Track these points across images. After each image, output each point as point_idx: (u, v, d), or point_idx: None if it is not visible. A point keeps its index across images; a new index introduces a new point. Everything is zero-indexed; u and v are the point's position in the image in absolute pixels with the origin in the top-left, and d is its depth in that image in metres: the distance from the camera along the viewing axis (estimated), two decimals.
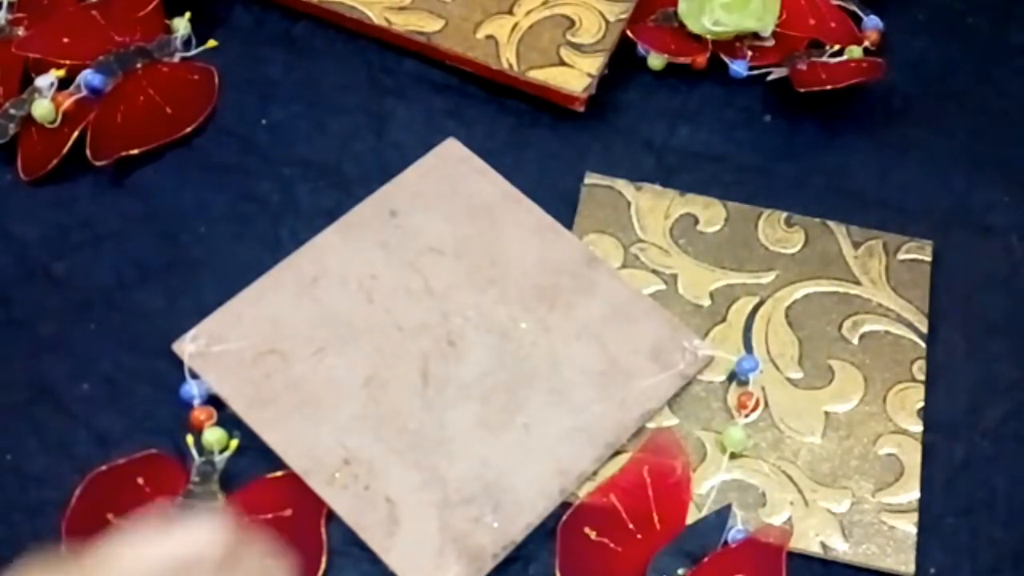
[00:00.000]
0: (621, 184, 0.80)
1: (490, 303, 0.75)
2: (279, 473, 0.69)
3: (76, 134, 0.79)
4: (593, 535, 0.68)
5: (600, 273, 0.76)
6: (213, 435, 0.69)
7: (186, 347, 0.72)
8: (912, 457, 0.71)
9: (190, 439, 0.69)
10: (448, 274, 0.76)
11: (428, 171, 0.80)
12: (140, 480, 0.68)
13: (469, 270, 0.76)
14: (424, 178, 0.79)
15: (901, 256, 0.77)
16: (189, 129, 0.81)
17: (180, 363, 0.71)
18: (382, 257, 0.76)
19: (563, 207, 0.78)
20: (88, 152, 0.78)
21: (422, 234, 0.77)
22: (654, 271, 0.77)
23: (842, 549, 0.68)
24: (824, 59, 0.84)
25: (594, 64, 0.82)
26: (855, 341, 0.75)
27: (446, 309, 0.74)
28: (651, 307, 0.75)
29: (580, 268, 0.76)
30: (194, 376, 0.71)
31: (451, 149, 0.81)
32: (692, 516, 0.69)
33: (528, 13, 0.85)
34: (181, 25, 0.84)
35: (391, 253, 0.76)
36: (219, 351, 0.72)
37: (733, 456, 0.70)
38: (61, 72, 0.80)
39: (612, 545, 0.67)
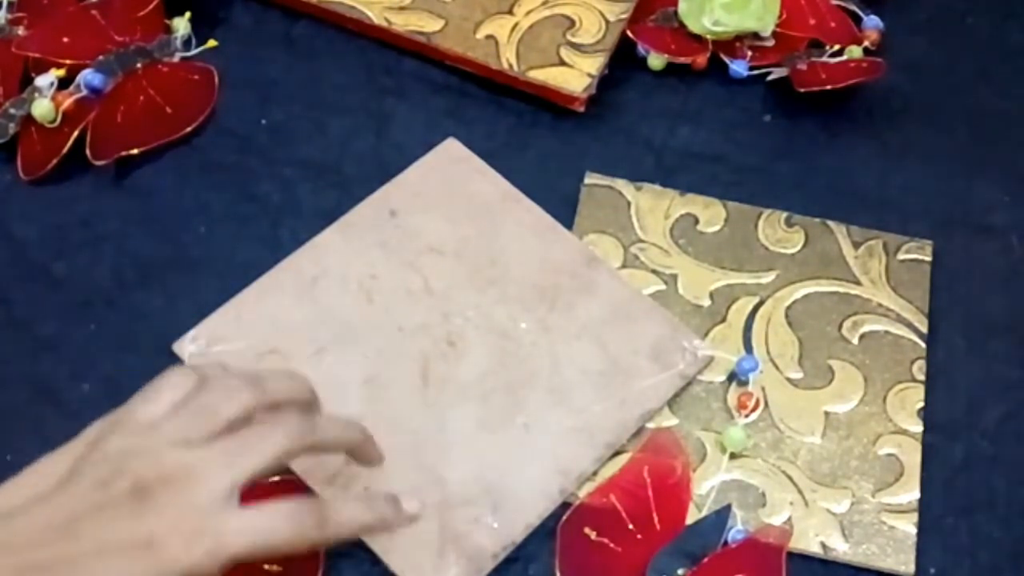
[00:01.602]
0: (621, 184, 0.80)
1: (490, 303, 0.75)
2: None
3: (76, 134, 0.79)
4: (593, 535, 0.68)
5: (600, 273, 0.76)
6: None
7: (186, 348, 0.72)
8: (912, 457, 0.71)
9: None
10: (448, 274, 0.76)
11: (428, 171, 0.80)
12: None
13: (469, 270, 0.76)
14: (424, 178, 0.79)
15: (901, 256, 0.77)
16: (189, 129, 0.81)
17: (180, 363, 0.72)
18: (382, 257, 0.76)
19: (563, 207, 0.78)
20: (88, 152, 0.78)
21: (422, 234, 0.77)
22: (654, 271, 0.77)
23: (842, 549, 0.68)
24: (824, 59, 0.84)
25: (594, 64, 0.82)
26: (855, 341, 0.75)
27: (446, 309, 0.74)
28: (651, 307, 0.75)
29: (580, 268, 0.76)
30: None
31: (451, 149, 0.81)
32: (692, 516, 0.69)
33: (528, 13, 0.85)
34: (181, 25, 0.84)
35: (391, 253, 0.76)
36: (219, 351, 0.72)
37: (733, 456, 0.71)
38: (61, 72, 0.80)
39: (612, 545, 0.67)
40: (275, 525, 0.55)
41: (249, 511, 0.55)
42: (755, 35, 0.85)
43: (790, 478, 0.70)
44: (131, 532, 0.53)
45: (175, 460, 0.54)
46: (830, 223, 0.79)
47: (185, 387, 0.57)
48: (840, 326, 0.75)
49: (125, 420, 0.57)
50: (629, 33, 0.84)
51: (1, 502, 0.55)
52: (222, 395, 0.57)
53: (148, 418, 0.56)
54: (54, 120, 0.79)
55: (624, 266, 0.77)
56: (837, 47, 0.85)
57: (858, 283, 0.77)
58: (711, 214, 0.79)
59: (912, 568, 0.68)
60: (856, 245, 0.78)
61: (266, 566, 0.66)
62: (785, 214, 0.79)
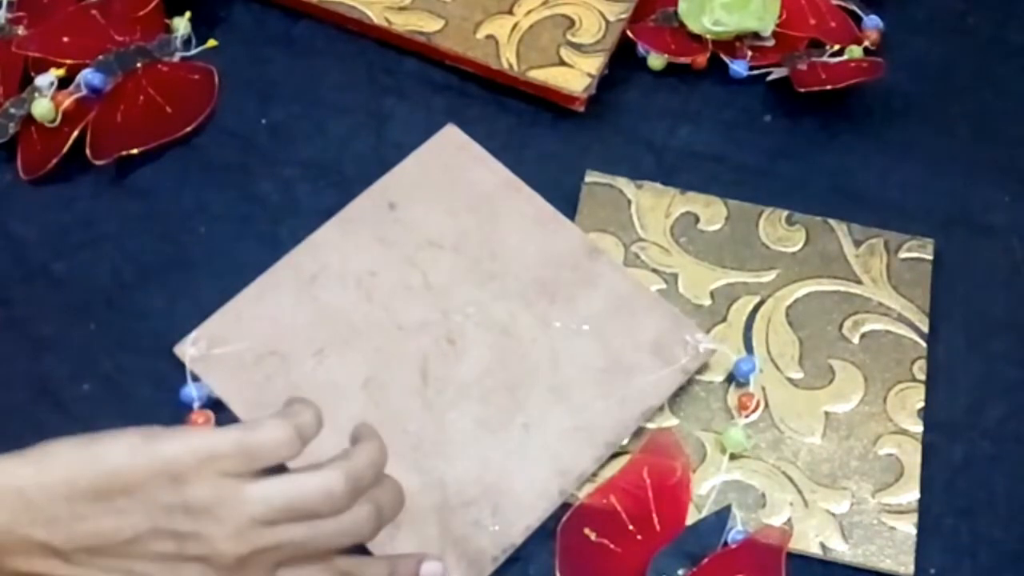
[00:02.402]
0: (622, 182, 0.80)
1: (490, 299, 0.75)
2: None
3: (76, 133, 0.79)
4: (593, 536, 0.68)
5: (601, 264, 0.76)
6: None
7: (187, 351, 0.72)
8: (912, 457, 0.71)
9: None
10: (447, 269, 0.75)
11: (427, 159, 0.79)
12: None
13: (469, 264, 0.76)
14: (423, 167, 0.79)
15: (903, 255, 0.77)
16: (189, 129, 0.81)
17: (180, 363, 0.72)
18: (381, 253, 0.76)
19: (563, 207, 0.78)
20: (88, 152, 0.78)
21: (421, 227, 0.77)
22: (654, 270, 0.77)
23: (842, 550, 0.68)
24: (824, 59, 0.84)
25: (594, 64, 0.82)
26: (856, 341, 0.75)
27: (446, 306, 0.74)
28: (653, 300, 0.75)
29: (581, 259, 0.76)
30: (195, 379, 0.71)
31: (450, 136, 0.80)
32: (692, 517, 0.69)
33: (528, 13, 0.84)
34: (181, 25, 0.84)
35: (390, 248, 0.76)
36: (220, 354, 0.72)
37: (733, 457, 0.71)
38: (61, 71, 0.80)
39: (612, 546, 0.67)
40: None
41: None
42: (755, 35, 0.85)
43: (790, 479, 0.70)
44: None
45: (255, 542, 0.56)
46: (831, 221, 0.79)
47: (285, 455, 0.57)
48: (841, 325, 0.75)
49: (216, 463, 0.56)
50: (629, 33, 0.84)
51: (69, 489, 0.55)
52: (322, 500, 0.57)
53: (241, 471, 0.56)
54: (54, 120, 0.79)
55: (625, 265, 0.77)
56: (837, 47, 0.84)
57: (859, 282, 0.76)
58: (712, 212, 0.79)
59: (912, 569, 0.68)
60: (857, 244, 0.78)
61: None
62: (786, 212, 0.79)
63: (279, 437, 0.57)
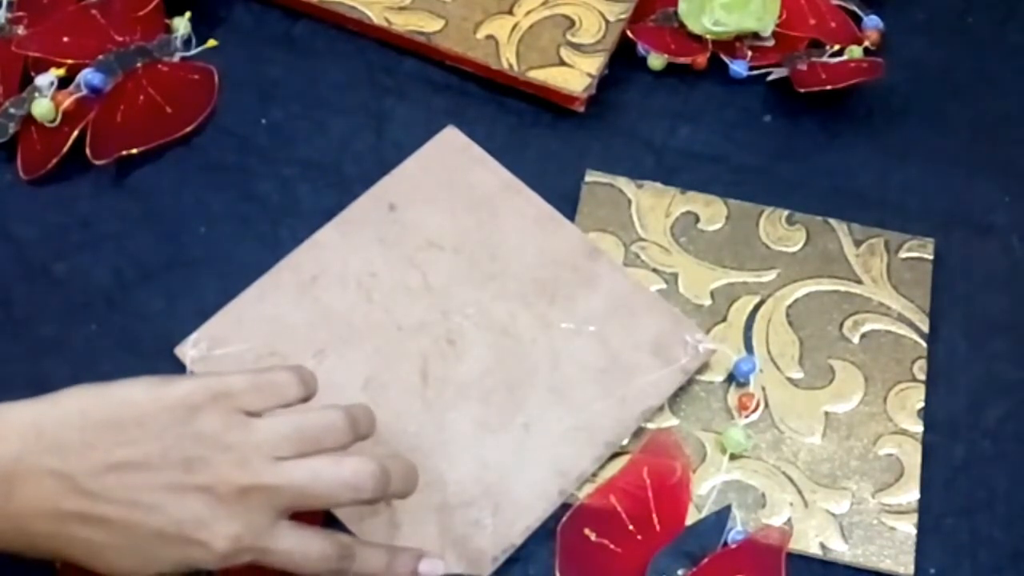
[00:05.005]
0: (622, 182, 0.80)
1: (489, 299, 0.75)
2: None
3: (76, 133, 0.78)
4: (593, 536, 0.68)
5: (601, 264, 0.76)
6: None
7: (188, 352, 0.72)
8: (912, 457, 0.71)
9: None
10: (447, 270, 0.75)
11: (428, 161, 0.79)
12: None
13: (468, 265, 0.76)
14: (424, 168, 0.79)
15: (903, 254, 0.77)
16: (189, 129, 0.81)
17: (181, 364, 0.72)
18: (381, 253, 0.76)
19: (563, 207, 0.78)
20: (88, 151, 0.78)
21: (421, 228, 0.77)
22: (654, 270, 0.77)
23: (842, 550, 0.68)
24: (824, 59, 0.84)
25: (594, 64, 0.82)
26: (856, 340, 0.75)
27: (445, 307, 0.74)
28: (653, 300, 0.75)
29: (581, 260, 0.76)
30: None
31: (450, 138, 0.80)
32: (692, 517, 0.69)
33: (528, 13, 0.84)
34: (181, 25, 0.84)
35: (390, 249, 0.76)
36: (221, 355, 0.72)
37: (733, 457, 0.71)
38: (61, 71, 0.80)
39: (612, 546, 0.67)
40: (307, 553, 0.60)
41: (292, 533, 0.59)
42: (755, 35, 0.85)
43: (790, 479, 0.70)
44: (194, 527, 0.57)
45: (259, 475, 0.58)
46: (831, 221, 0.79)
47: (294, 395, 0.62)
48: (841, 325, 0.75)
49: (228, 399, 0.60)
50: (629, 33, 0.84)
51: (82, 420, 0.58)
52: (325, 429, 0.61)
53: (250, 407, 0.60)
54: (54, 120, 0.79)
55: (625, 264, 0.77)
56: (837, 47, 0.84)
57: (859, 282, 0.76)
58: (712, 212, 0.79)
59: (912, 569, 0.68)
60: (858, 243, 0.78)
61: None
62: (786, 212, 0.79)
63: (287, 378, 0.62)
